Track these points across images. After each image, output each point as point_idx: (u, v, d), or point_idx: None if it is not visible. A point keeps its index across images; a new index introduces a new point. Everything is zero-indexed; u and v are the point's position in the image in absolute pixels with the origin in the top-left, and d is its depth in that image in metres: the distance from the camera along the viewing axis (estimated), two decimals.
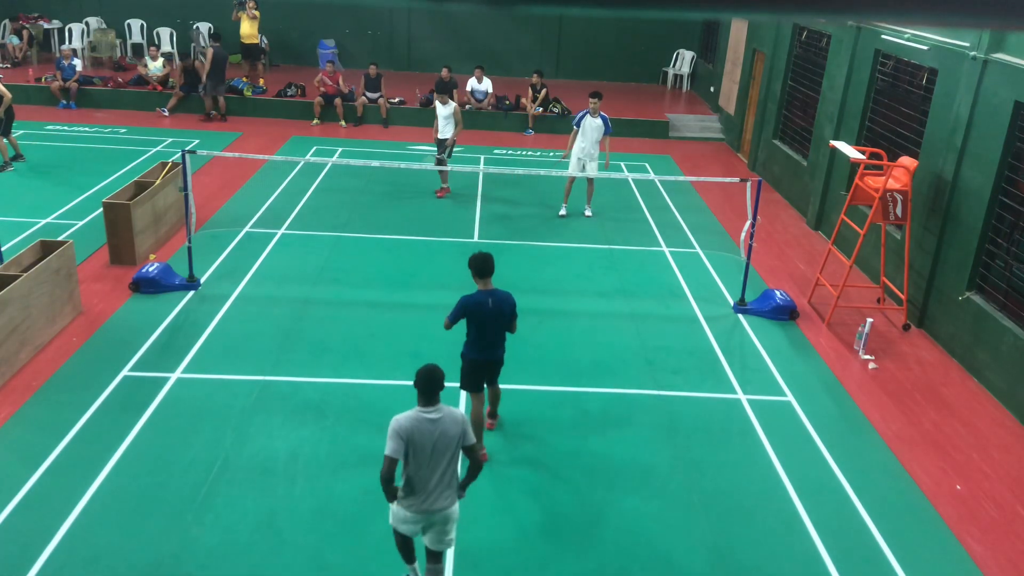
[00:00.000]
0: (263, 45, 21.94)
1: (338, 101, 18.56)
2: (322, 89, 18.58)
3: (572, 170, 12.91)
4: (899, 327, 10.15)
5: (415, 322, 9.50)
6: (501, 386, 7.70)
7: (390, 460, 5.02)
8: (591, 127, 12.72)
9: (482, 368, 6.97)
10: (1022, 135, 8.77)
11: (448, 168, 13.54)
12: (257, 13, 19.48)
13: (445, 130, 13.56)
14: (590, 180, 13.24)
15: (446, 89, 18.75)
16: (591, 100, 12.71)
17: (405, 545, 5.54)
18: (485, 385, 7.13)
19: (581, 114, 12.86)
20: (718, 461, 7.36)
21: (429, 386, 5.11)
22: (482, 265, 6.75)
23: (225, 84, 18.51)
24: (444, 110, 13.58)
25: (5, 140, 13.93)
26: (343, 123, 18.61)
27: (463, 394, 7.40)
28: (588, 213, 13.43)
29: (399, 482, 5.19)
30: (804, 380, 8.79)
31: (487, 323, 6.72)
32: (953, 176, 9.67)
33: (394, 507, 5.28)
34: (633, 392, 8.38)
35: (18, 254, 8.86)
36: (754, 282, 10.83)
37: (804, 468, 7.31)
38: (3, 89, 13.57)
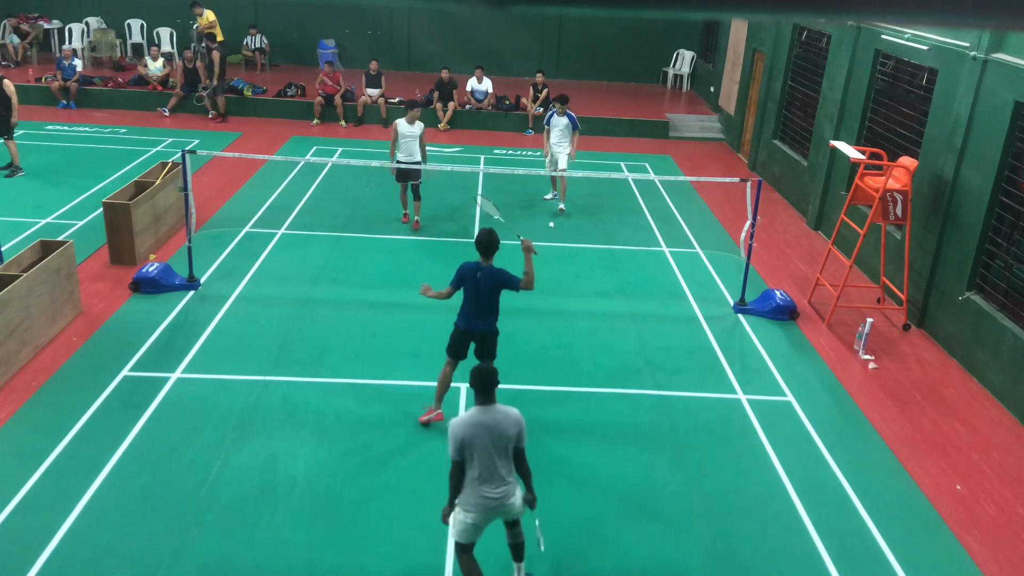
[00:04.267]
0: (253, 48, 21.92)
1: (338, 101, 18.56)
2: (322, 89, 18.58)
3: (548, 165, 13.66)
4: (899, 327, 10.15)
5: (415, 322, 9.50)
6: (503, 385, 7.69)
7: (454, 463, 5.22)
8: (558, 125, 13.40)
9: (465, 337, 7.34)
10: (1022, 135, 8.77)
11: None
12: (205, 20, 18.67)
13: (415, 152, 11.98)
14: (562, 177, 13.53)
15: (445, 90, 18.79)
16: (554, 105, 13.44)
17: (471, 571, 5.38)
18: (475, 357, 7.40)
19: (550, 113, 13.53)
20: (718, 461, 7.36)
21: (481, 384, 5.28)
22: (478, 241, 7.19)
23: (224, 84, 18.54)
24: (413, 129, 11.92)
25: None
26: (343, 123, 18.61)
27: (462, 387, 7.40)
28: (561, 207, 13.68)
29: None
30: (804, 380, 8.79)
31: (472, 293, 7.23)
32: (953, 176, 9.67)
33: (453, 517, 5.33)
34: (633, 392, 8.38)
35: (18, 254, 8.86)
36: (754, 282, 10.83)
37: (804, 468, 7.31)
38: (11, 88, 13.45)
